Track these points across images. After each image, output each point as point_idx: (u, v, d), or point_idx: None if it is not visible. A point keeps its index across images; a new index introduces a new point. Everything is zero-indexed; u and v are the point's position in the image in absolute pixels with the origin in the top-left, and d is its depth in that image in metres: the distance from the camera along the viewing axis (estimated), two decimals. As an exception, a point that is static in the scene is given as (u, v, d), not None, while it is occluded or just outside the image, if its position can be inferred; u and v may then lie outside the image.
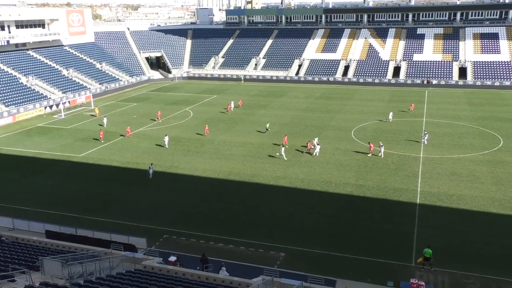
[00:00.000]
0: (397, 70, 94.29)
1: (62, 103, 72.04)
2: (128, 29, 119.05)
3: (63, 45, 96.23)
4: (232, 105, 70.07)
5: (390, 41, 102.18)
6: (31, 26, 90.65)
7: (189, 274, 23.62)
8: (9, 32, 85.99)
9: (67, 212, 35.51)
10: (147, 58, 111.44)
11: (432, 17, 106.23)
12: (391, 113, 61.97)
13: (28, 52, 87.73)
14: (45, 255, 24.35)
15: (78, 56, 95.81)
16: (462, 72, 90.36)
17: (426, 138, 50.20)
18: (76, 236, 29.82)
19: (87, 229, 30.86)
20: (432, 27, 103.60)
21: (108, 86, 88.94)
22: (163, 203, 37.07)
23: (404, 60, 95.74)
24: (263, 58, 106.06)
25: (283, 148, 47.63)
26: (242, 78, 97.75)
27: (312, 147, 48.45)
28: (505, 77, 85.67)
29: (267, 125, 57.82)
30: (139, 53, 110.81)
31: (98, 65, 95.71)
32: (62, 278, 21.88)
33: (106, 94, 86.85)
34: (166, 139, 51.58)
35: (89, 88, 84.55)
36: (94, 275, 23.11)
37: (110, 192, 39.59)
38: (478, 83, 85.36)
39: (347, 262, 27.88)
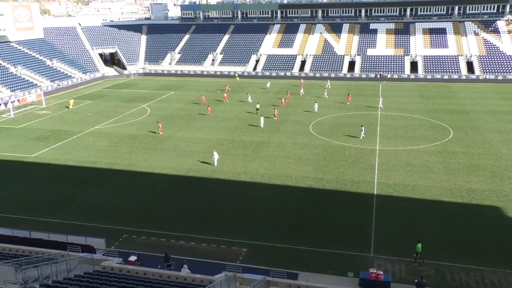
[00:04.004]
0: (352, 65, 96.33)
1: (11, 102, 68.88)
2: (80, 24, 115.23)
3: (9, 41, 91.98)
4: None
5: (344, 36, 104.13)
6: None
7: (150, 273, 23.25)
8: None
9: (20, 214, 34.09)
10: (100, 55, 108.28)
11: (383, 12, 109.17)
12: (316, 104, 64.33)
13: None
14: (-3, 260, 23.30)
15: (27, 52, 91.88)
16: (413, 66, 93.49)
17: (363, 132, 51.18)
18: (30, 239, 28.63)
19: (42, 232, 29.73)
20: (384, 23, 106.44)
21: (60, 83, 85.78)
22: (122, 202, 36.28)
23: (358, 55, 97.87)
24: (220, 53, 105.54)
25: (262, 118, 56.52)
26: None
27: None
28: (453, 70, 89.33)
29: (257, 105, 64.37)
30: (92, 49, 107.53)
31: (48, 62, 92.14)
32: (16, 283, 21.01)
33: (59, 91, 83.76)
34: (215, 155, 44.07)
35: (40, 86, 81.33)
36: (51, 278, 22.34)
37: (66, 192, 38.31)
38: (429, 76, 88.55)
39: (309, 254, 28.30)
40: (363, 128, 51.71)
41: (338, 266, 26.80)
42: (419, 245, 26.86)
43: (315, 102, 65.54)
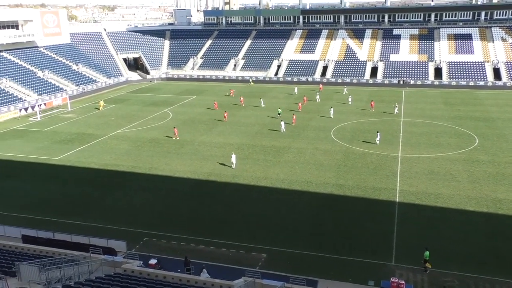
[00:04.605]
0: (374, 70, 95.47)
1: (38, 105, 70.60)
2: (105, 30, 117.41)
3: (37, 47, 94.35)
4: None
5: (367, 41, 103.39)
6: (4, 27, 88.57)
7: (170, 277, 23.40)
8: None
9: (44, 216, 34.80)
10: (124, 59, 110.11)
11: (407, 18, 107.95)
12: (331, 110, 64.74)
13: (1, 53, 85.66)
14: (22, 260, 23.81)
15: (54, 57, 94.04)
16: (438, 72, 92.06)
17: (378, 138, 50.66)
18: (54, 241, 29.21)
19: (65, 233, 30.27)
20: (407, 28, 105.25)
21: (85, 87, 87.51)
22: (143, 205, 36.64)
23: (381, 61, 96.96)
24: (242, 59, 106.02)
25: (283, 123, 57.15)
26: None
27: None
28: (479, 77, 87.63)
29: (279, 110, 64.97)
30: (117, 54, 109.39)
31: (74, 67, 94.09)
32: (40, 283, 21.43)
33: (83, 95, 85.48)
34: (233, 157, 44.62)
35: (66, 90, 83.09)
36: (73, 279, 22.70)
37: (89, 195, 38.94)
38: (453, 83, 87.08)
39: (329, 262, 28.03)
40: (378, 133, 51.20)
41: (359, 274, 26.46)
42: (427, 253, 26.48)
43: (331, 107, 65.31)
